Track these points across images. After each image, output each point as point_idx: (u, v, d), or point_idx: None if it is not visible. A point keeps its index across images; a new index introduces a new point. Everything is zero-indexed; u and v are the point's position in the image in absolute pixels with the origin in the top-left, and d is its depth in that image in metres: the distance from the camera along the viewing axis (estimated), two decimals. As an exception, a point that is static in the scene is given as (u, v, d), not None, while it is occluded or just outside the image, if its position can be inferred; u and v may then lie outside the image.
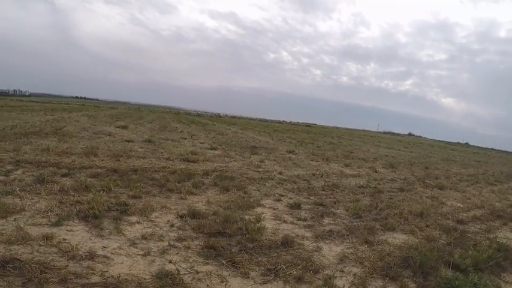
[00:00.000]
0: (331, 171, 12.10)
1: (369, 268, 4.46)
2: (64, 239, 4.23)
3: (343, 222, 6.34)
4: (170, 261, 3.94)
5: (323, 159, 15.02)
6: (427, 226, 6.70)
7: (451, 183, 12.97)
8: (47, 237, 4.17)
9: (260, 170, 10.60)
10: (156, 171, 8.67)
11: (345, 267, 4.47)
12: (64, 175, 7.40)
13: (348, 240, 5.45)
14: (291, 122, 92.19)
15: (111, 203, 5.62)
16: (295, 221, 6.10)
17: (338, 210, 7.11)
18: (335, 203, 7.67)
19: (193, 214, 5.56)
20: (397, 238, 5.83)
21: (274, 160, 13.09)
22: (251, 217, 5.83)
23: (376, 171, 13.31)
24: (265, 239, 4.95)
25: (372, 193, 9.10)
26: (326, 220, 6.40)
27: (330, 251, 4.97)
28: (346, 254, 4.86)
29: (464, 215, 8.18)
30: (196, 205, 6.19)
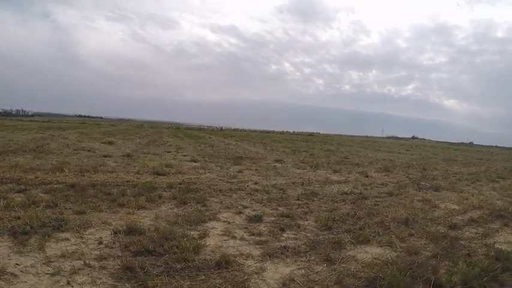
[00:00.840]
0: (315, 178, 11.08)
1: (318, 296, 3.41)
2: (-17, 256, 3.85)
3: (306, 236, 5.31)
4: (68, 283, 3.40)
5: (311, 167, 14.01)
6: (411, 235, 5.64)
7: (449, 184, 11.91)
8: (-34, 254, 3.83)
9: (234, 180, 9.67)
10: (117, 185, 8.01)
11: (287, 295, 3.43)
12: (19, 191, 6.92)
13: (303, 259, 4.41)
14: (294, 132, 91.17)
15: (51, 219, 5.10)
16: (246, 237, 5.15)
17: (306, 222, 6.08)
18: (306, 213, 6.66)
19: (131, 230, 4.89)
20: (370, 253, 4.77)
21: (256, 170, 12.13)
22: (196, 233, 5.06)
23: (367, 176, 12.26)
24: (199, 259, 4.10)
25: (354, 200, 8.07)
26: (286, 234, 5.37)
27: (275, 273, 3.96)
28: (294, 277, 3.86)
29: (459, 218, 7.16)
30: (142, 220, 5.51)
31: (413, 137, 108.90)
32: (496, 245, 5.47)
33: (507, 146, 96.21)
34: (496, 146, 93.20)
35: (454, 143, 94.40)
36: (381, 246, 5.05)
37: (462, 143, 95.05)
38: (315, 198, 8.05)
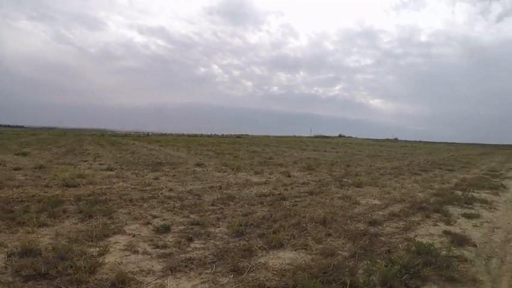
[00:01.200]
0: (235, 181, 10.80)
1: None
2: None
3: (215, 245, 4.98)
4: None
5: (232, 169, 13.71)
6: (329, 235, 5.49)
7: (372, 179, 12.15)
8: None
9: (148, 188, 9.16)
10: (21, 201, 7.35)
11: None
12: None
13: (209, 271, 4.08)
14: (223, 134, 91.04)
15: None
16: (150, 250, 4.76)
17: (217, 229, 5.76)
18: (219, 219, 6.31)
19: (26, 252, 4.47)
20: (283, 258, 4.52)
21: (174, 176, 11.64)
22: (96, 250, 4.66)
23: (289, 176, 12.20)
24: (95, 279, 3.78)
25: (272, 202, 7.86)
26: (194, 244, 5.02)
27: (175, 289, 3.56)
28: (195, 293, 3.49)
29: (380, 213, 7.20)
30: (40, 240, 5.06)
31: (340, 135, 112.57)
32: (417, 239, 5.50)
33: (430, 140, 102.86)
34: (420, 141, 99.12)
35: (379, 139, 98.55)
36: (295, 250, 4.82)
37: (387, 139, 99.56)
38: (231, 203, 7.76)
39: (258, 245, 4.87)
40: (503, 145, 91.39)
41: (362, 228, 5.88)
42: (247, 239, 5.18)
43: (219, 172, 13.05)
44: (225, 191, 9.01)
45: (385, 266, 4.09)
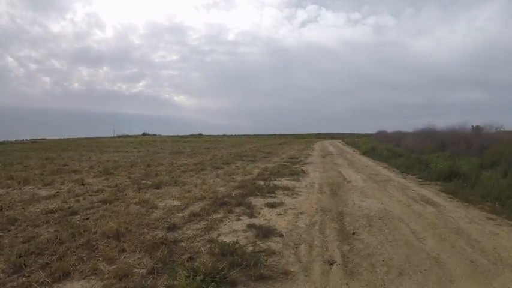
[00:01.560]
0: (19, 197, 9.41)
1: None
2: None
3: (-16, 288, 4.07)
4: None
5: (19, 183, 12.07)
6: (123, 251, 5.00)
7: (172, 178, 11.97)
8: None
9: None
10: None
11: None
12: None
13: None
14: (16, 140, 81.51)
15: None
16: None
17: (-12, 265, 4.74)
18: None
19: None
20: (69, 291, 3.88)
21: None
22: None
23: (82, 184, 11.21)
24: None
25: (60, 218, 6.96)
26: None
27: None
28: None
29: (180, 215, 7.00)
30: None
31: (143, 134, 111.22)
32: (221, 238, 5.43)
33: (234, 134, 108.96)
34: (224, 135, 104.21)
35: (184, 135, 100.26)
36: (83, 278, 4.23)
37: (192, 135, 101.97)
38: (12, 227, 6.57)
39: (40, 280, 4.13)
40: (301, 134, 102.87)
41: (160, 236, 5.53)
42: (27, 274, 4.36)
43: (2, 188, 11.37)
44: (6, 212, 7.72)
45: (187, 277, 3.82)
